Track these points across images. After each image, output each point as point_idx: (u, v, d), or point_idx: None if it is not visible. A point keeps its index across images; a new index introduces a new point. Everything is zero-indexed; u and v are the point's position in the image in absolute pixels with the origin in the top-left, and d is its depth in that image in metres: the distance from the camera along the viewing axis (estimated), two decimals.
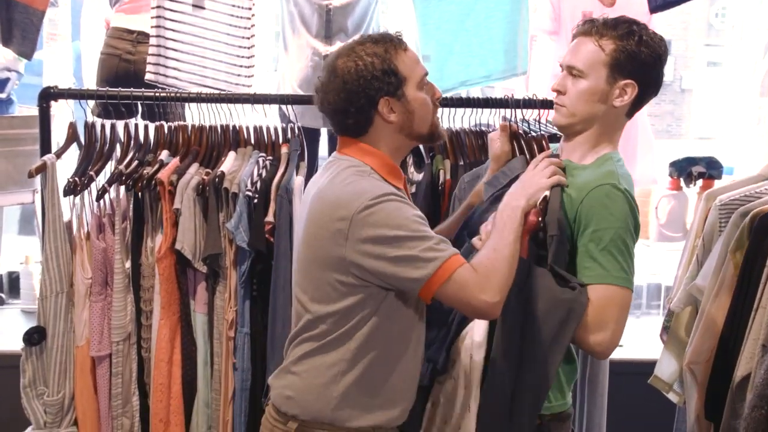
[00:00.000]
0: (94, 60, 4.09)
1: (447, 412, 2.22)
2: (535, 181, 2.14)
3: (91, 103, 3.67)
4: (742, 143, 5.93)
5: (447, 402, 2.22)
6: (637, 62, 2.17)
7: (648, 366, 2.98)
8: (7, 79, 3.66)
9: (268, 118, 3.13)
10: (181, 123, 2.95)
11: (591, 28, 2.20)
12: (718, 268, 2.60)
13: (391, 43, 2.05)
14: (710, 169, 3.92)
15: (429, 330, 2.22)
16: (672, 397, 2.91)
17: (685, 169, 3.99)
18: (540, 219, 2.08)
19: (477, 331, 2.18)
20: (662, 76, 2.25)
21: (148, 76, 3.54)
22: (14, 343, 3.48)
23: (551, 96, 2.36)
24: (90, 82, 4.41)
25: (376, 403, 2.08)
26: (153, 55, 3.55)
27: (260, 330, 2.81)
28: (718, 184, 3.73)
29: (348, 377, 2.06)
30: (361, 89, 2.02)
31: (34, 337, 2.84)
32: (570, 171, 2.21)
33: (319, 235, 2.02)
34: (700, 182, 3.96)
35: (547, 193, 2.10)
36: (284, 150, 2.92)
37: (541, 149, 2.34)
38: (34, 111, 3.69)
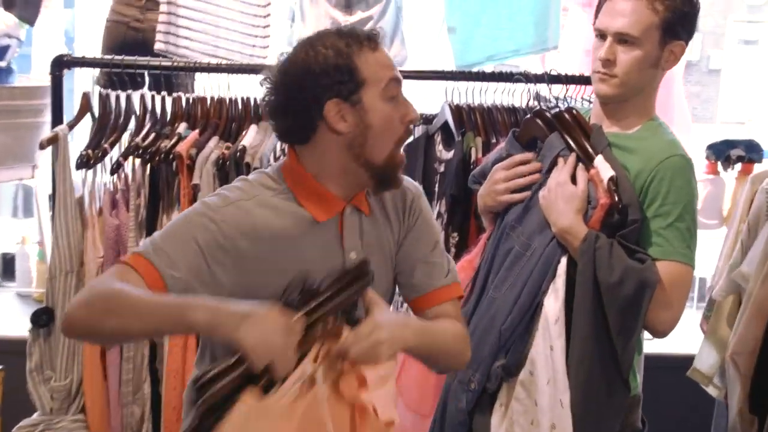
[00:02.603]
0: (90, 28, 4.14)
1: (529, 410, 2.19)
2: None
3: (95, 73, 3.74)
4: None
5: (528, 400, 2.20)
6: (686, 21, 2.18)
7: (683, 360, 3.05)
8: (8, 46, 3.68)
9: None
10: (200, 95, 2.99)
11: None
12: (766, 253, 2.67)
13: (358, 38, 1.76)
14: (750, 152, 3.96)
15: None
16: (711, 390, 2.97)
17: (723, 153, 4.03)
18: (618, 199, 2.10)
19: (551, 318, 2.16)
20: None
21: (158, 46, 3.59)
22: (10, 328, 3.54)
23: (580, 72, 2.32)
24: (83, 52, 4.44)
25: None
26: (163, 23, 3.59)
27: None
28: (757, 168, 3.80)
29: None
30: (305, 85, 1.74)
31: (42, 318, 2.87)
32: (620, 143, 2.22)
33: None
34: (738, 166, 4.02)
35: (612, 173, 2.11)
36: None
37: (573, 118, 2.27)
38: (32, 82, 3.76)
